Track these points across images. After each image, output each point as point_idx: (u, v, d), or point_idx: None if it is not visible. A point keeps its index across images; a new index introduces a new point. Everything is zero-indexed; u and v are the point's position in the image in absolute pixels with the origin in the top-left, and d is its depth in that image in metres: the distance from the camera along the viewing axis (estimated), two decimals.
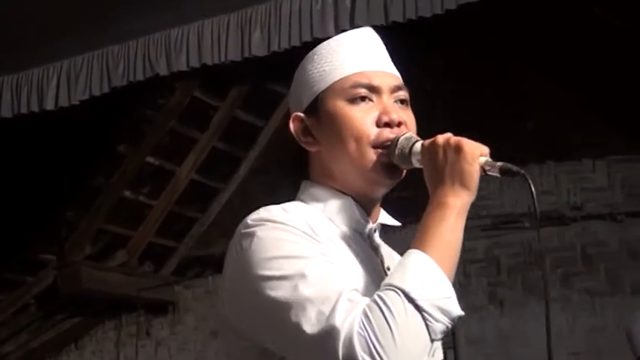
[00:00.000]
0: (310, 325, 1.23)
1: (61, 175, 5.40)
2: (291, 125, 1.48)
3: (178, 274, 6.08)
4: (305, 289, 1.25)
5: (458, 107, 5.02)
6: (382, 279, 1.33)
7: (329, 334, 1.21)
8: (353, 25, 4.11)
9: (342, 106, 1.44)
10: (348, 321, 1.21)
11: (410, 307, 1.21)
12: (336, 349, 1.20)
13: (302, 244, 1.31)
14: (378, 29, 1.56)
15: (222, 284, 1.40)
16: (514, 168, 1.34)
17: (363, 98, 1.44)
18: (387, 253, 1.50)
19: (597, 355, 4.40)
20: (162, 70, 4.56)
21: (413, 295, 1.22)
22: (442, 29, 4.48)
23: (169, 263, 6.05)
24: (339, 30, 4.15)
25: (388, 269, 1.45)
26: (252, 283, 1.29)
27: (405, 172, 1.45)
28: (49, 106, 4.65)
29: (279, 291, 1.26)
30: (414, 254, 1.28)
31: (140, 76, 4.58)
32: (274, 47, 4.35)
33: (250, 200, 5.74)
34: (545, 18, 4.67)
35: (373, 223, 1.48)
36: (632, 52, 4.45)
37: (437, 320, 1.22)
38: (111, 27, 4.48)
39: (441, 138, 1.36)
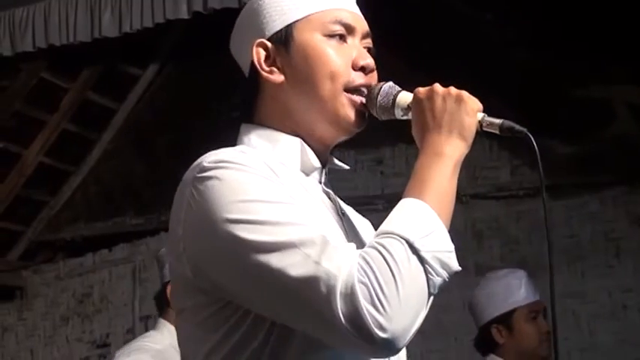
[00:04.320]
0: (296, 269, 1.11)
1: None
2: (254, 52, 1.35)
3: (26, 258, 5.91)
4: (285, 233, 1.13)
5: None
6: (339, 224, 1.30)
7: (321, 279, 1.10)
8: (206, 7, 4.12)
9: (320, 40, 1.34)
10: (345, 267, 1.11)
11: (413, 257, 1.13)
12: (330, 297, 1.09)
13: (269, 188, 1.19)
14: None
15: (177, 244, 1.23)
16: (517, 126, 1.27)
17: (341, 36, 1.35)
18: (337, 198, 1.40)
19: (443, 333, 4.60)
20: (6, 51, 4.44)
21: (417, 245, 1.13)
22: None
23: (16, 248, 5.87)
24: (192, 12, 4.15)
25: (343, 214, 1.36)
26: (221, 229, 1.15)
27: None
28: None
29: (255, 234, 1.13)
30: (414, 202, 1.19)
31: None
32: (126, 28, 4.29)
33: (103, 184, 5.67)
34: None
35: (324, 167, 1.38)
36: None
37: (438, 274, 1.15)
38: None
39: (439, 87, 1.29)
